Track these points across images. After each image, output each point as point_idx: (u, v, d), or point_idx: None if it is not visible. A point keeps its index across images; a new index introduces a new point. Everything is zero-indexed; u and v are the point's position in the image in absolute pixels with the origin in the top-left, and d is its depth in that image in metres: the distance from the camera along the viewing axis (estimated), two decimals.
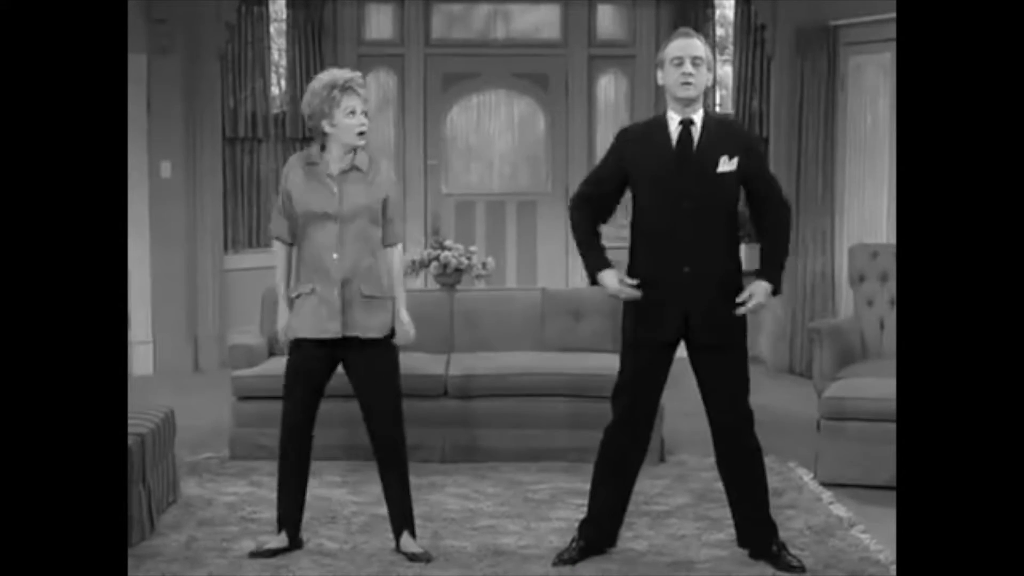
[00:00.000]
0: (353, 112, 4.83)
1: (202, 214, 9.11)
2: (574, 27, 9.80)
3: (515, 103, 9.93)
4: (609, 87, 9.88)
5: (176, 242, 8.99)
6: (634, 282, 4.69)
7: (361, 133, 4.86)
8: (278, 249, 5.07)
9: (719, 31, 9.83)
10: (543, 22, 9.87)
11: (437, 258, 7.27)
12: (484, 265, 7.43)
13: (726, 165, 4.62)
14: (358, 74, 4.93)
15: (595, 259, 4.79)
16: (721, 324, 4.71)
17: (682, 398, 5.96)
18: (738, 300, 4.67)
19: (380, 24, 9.82)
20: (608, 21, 9.85)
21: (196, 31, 8.95)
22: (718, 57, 9.77)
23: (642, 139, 4.73)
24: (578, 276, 9.69)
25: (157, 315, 8.98)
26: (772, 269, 4.75)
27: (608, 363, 5.52)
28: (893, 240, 7.47)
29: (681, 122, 4.66)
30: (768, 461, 5.01)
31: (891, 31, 6.97)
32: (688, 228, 4.63)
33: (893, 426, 3.65)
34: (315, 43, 9.54)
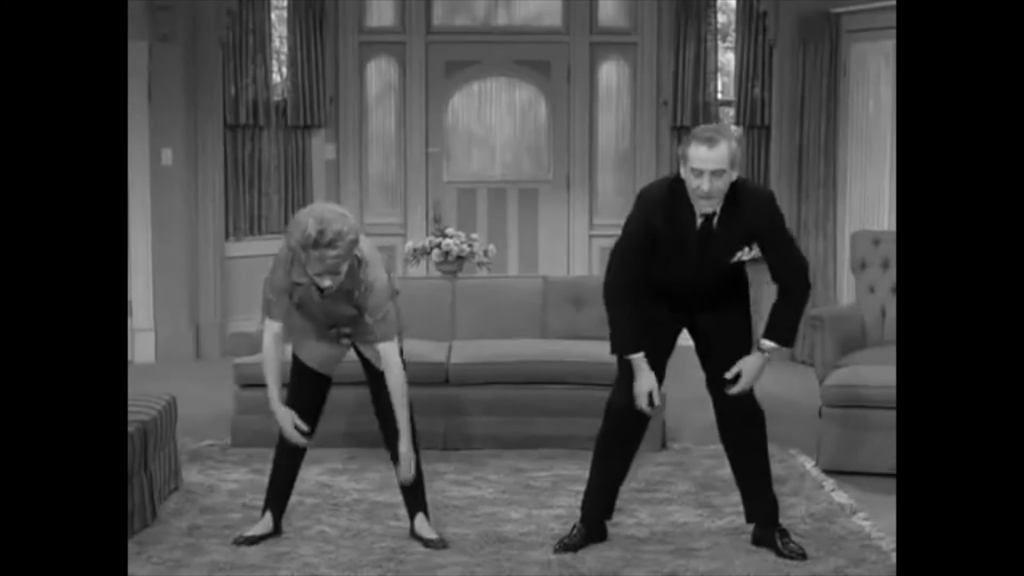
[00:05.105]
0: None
1: (203, 201, 9.09)
2: (576, 14, 9.76)
3: (517, 90, 9.90)
4: (611, 74, 9.84)
5: (177, 230, 8.97)
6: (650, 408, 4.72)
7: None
8: (269, 336, 4.78)
9: (721, 18, 9.79)
10: (545, 9, 9.82)
11: (439, 246, 7.27)
12: (485, 253, 7.42)
13: (744, 254, 4.65)
14: (317, 235, 4.43)
15: (631, 341, 4.70)
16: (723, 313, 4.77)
17: (684, 387, 5.96)
18: (727, 376, 4.69)
19: (381, 11, 9.79)
20: (610, 8, 9.80)
21: (197, 18, 8.92)
22: (720, 44, 9.74)
23: (666, 215, 4.61)
24: (579, 264, 9.71)
25: (158, 303, 8.97)
26: (780, 331, 4.69)
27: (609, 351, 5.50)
28: (895, 227, 7.46)
29: (702, 213, 4.60)
30: (770, 448, 5.01)
31: (893, 19, 6.94)
32: (697, 287, 4.71)
33: (894, 413, 3.65)
34: (316, 30, 9.52)
